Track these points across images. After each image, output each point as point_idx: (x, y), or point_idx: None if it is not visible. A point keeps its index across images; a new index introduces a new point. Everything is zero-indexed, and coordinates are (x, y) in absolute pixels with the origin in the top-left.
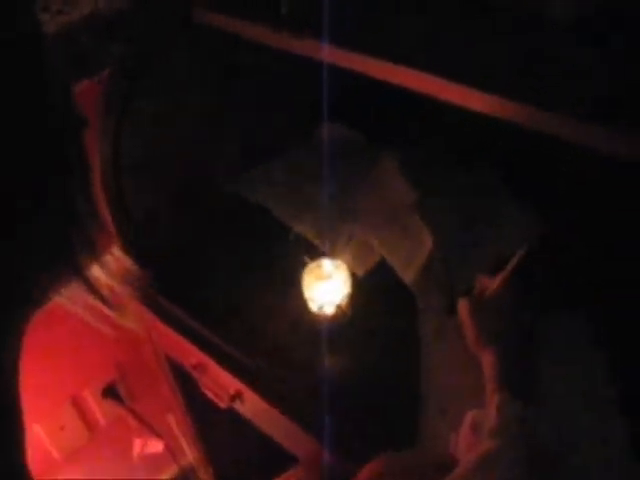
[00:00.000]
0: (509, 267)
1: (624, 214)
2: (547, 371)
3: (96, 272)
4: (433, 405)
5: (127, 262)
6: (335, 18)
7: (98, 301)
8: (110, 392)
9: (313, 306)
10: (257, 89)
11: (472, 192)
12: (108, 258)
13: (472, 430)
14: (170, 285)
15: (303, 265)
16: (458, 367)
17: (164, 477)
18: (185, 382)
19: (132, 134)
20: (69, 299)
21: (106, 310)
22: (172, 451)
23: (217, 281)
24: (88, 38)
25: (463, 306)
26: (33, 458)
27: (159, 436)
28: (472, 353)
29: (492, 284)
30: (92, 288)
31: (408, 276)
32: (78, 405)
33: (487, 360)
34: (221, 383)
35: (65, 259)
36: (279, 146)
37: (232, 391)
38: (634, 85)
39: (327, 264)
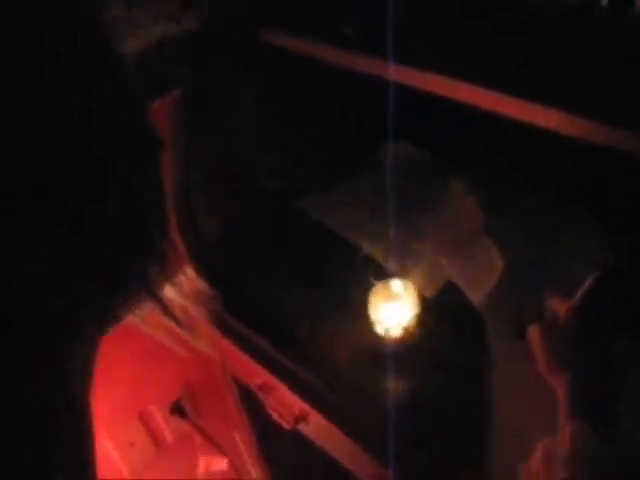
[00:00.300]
0: (581, 291)
1: None
2: (624, 401)
3: (169, 293)
4: (503, 430)
5: (199, 283)
6: (395, 35)
7: (172, 322)
8: (177, 408)
9: (380, 328)
10: (323, 112)
11: (540, 213)
12: (181, 279)
13: (543, 460)
14: (237, 306)
15: (370, 286)
16: (529, 392)
17: None
18: (252, 401)
19: (202, 156)
20: (143, 320)
21: (180, 332)
22: (236, 469)
23: (283, 303)
24: (159, 60)
25: (534, 331)
26: (103, 474)
27: (224, 454)
28: (543, 379)
29: (563, 308)
30: (166, 309)
31: (477, 298)
32: (146, 421)
33: (559, 388)
34: (286, 404)
35: (139, 280)
36: (347, 168)
37: (297, 412)
38: None
39: (396, 284)
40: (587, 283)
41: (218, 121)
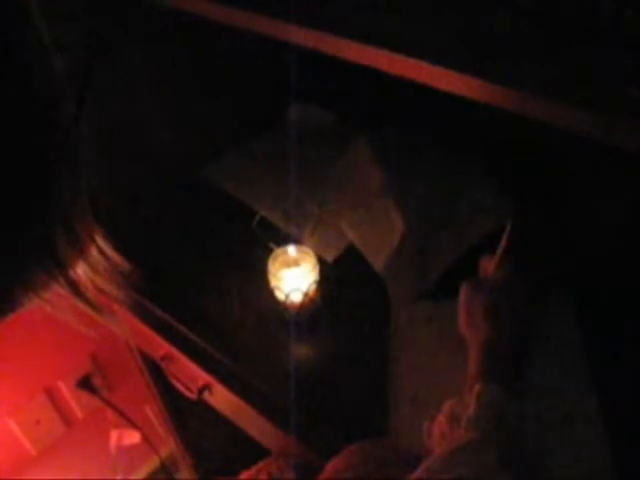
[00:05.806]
0: (500, 248)
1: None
2: (537, 364)
3: (81, 270)
4: (403, 394)
5: (116, 257)
6: None
7: (82, 303)
8: (85, 384)
9: (280, 294)
10: (229, 73)
11: (445, 175)
12: (94, 253)
13: (448, 420)
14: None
15: (269, 252)
16: (429, 355)
17: (144, 468)
18: (162, 374)
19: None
20: (49, 302)
21: (89, 311)
22: (150, 442)
23: (180, 270)
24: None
25: (464, 289)
26: (8, 455)
27: (136, 427)
28: (461, 337)
29: (491, 266)
30: (77, 291)
31: (378, 262)
32: (53, 397)
33: (473, 347)
34: (189, 374)
35: (48, 259)
36: (251, 130)
37: (201, 383)
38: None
39: (293, 250)
40: (503, 238)
41: (128, 87)
